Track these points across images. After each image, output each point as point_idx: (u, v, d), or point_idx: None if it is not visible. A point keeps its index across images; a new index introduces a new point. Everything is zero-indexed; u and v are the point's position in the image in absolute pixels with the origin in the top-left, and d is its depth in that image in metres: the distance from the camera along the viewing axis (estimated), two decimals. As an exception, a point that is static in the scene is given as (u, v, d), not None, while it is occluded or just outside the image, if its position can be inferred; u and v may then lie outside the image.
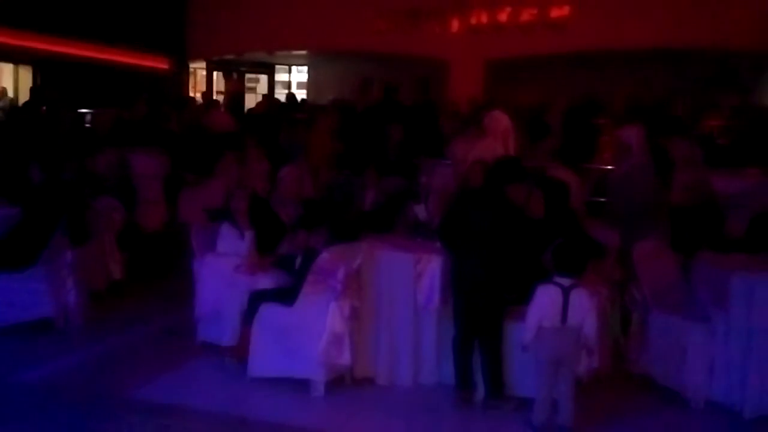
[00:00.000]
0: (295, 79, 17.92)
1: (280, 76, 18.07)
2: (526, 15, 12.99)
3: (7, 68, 14.45)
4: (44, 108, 10.63)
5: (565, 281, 3.99)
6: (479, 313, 4.35)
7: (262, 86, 17.68)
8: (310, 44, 15.04)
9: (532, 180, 4.69)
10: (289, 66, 17.95)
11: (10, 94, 13.85)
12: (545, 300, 3.99)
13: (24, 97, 13.85)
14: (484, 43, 13.14)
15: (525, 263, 4.34)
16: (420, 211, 5.12)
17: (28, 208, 5.88)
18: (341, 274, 4.40)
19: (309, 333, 4.47)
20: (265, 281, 4.99)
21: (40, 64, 14.05)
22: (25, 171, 5.98)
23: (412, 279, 4.58)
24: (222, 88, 16.85)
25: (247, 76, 17.61)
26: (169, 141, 8.75)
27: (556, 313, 3.97)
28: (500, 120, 6.31)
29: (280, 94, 15.80)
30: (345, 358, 4.50)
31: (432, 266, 4.57)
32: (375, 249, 4.73)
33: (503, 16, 13.20)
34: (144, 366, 5.11)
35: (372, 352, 4.75)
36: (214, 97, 14.97)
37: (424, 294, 4.55)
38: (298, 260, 4.91)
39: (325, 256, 4.46)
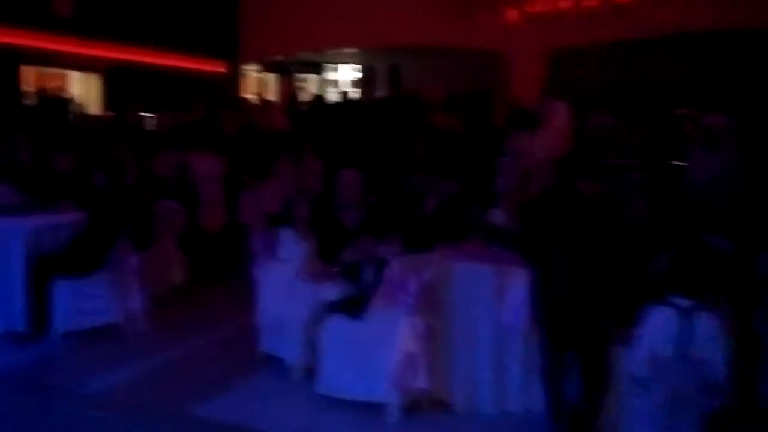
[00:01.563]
0: (344, 77, 17.33)
1: (330, 75, 17.52)
2: (590, 0, 11.87)
3: (76, 76, 14.27)
4: (112, 114, 10.35)
5: (684, 302, 3.24)
6: (570, 335, 3.61)
7: (312, 85, 17.17)
8: (361, 41, 14.38)
9: (625, 177, 3.92)
10: (337, 64, 17.37)
11: (79, 101, 13.63)
12: (659, 324, 3.25)
13: (92, 104, 13.67)
14: (544, 33, 12.13)
15: (624, 277, 3.56)
16: (497, 216, 4.41)
17: (94, 214, 5.48)
18: (413, 288, 3.84)
19: (379, 351, 3.93)
20: (329, 291, 4.47)
21: (106, 71, 13.83)
22: (91, 176, 5.55)
23: (493, 294, 3.92)
24: (274, 89, 16.42)
25: (298, 76, 17.11)
26: (226, 143, 8.30)
27: (673, 341, 3.23)
28: (561, 111, 5.62)
29: (331, 94, 15.26)
30: (421, 382, 3.90)
31: (517, 280, 3.83)
32: (449, 260, 4.10)
33: (565, 3, 12.14)
34: (206, 379, 4.66)
35: (449, 375, 4.09)
36: (267, 98, 14.53)
37: (509, 312, 3.84)
38: (365, 270, 4.37)
39: (394, 267, 3.91)
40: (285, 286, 4.63)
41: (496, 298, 3.92)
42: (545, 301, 3.64)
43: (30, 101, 11.80)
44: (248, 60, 15.64)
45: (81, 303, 5.25)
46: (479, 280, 3.97)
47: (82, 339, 5.20)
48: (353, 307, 4.12)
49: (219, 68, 15.21)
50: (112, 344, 5.21)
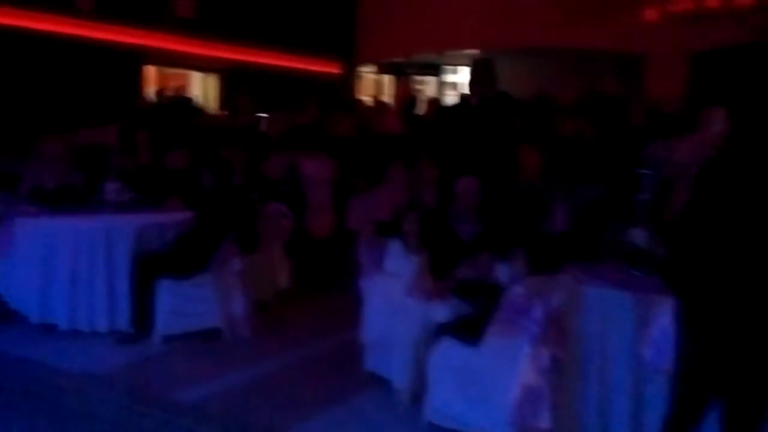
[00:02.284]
0: (464, 80, 16.87)
1: (448, 77, 17.15)
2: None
3: (196, 76, 14.72)
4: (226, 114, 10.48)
5: None
6: (721, 382, 3.05)
7: (430, 88, 16.85)
8: (484, 42, 13.94)
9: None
10: (457, 66, 16.96)
11: (199, 101, 14.03)
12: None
13: (211, 104, 14.04)
14: (688, 34, 11.35)
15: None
16: (639, 235, 3.84)
17: (200, 214, 5.39)
18: (539, 314, 3.39)
19: (496, 383, 3.51)
20: (442, 311, 4.09)
21: (225, 71, 14.17)
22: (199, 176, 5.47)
23: (634, 326, 3.39)
24: (390, 91, 16.25)
25: (416, 78, 16.87)
26: (338, 145, 8.11)
27: None
28: (719, 119, 4.93)
29: (449, 96, 14.89)
30: (542, 420, 3.42)
31: (663, 311, 3.28)
32: (582, 283, 3.62)
33: (712, 2, 11.32)
34: (304, 395, 4.39)
35: (575, 416, 3.59)
36: (382, 101, 14.36)
37: (652, 348, 3.29)
38: (482, 290, 3.96)
39: (518, 290, 3.47)
40: (393, 301, 4.29)
41: (636, 331, 3.38)
42: (695, 339, 3.09)
43: (151, 101, 12.21)
44: (364, 61, 15.59)
45: (183, 305, 5.17)
46: (617, 309, 3.43)
47: (181, 343, 5.11)
48: (468, 330, 3.71)
49: (334, 69, 15.23)
50: (211, 350, 5.07)
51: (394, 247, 4.36)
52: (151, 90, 12.86)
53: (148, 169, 6.85)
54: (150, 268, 5.15)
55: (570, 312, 3.51)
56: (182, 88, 13.37)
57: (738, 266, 3.00)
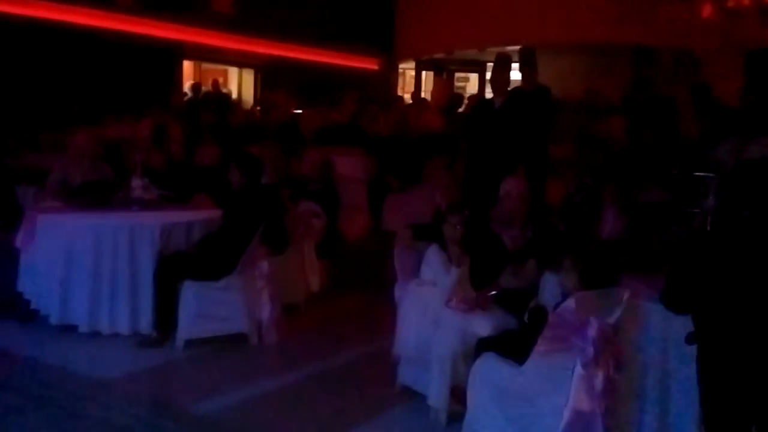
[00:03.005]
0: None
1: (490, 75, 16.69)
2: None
3: (234, 72, 14.61)
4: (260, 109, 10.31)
5: None
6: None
7: (472, 85, 16.43)
8: (530, 38, 13.52)
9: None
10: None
11: (235, 96, 13.91)
12: None
13: (248, 99, 13.91)
14: (746, 29, 10.80)
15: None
16: None
17: (228, 213, 5.14)
18: (593, 332, 3.03)
19: (543, 406, 3.18)
20: (483, 324, 3.76)
21: (262, 67, 14.03)
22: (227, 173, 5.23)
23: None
24: (431, 88, 15.90)
25: (457, 75, 16.47)
26: (376, 143, 7.83)
27: None
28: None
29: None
30: (595, 447, 3.09)
31: None
32: (640, 299, 3.25)
33: None
34: (332, 410, 4.10)
35: None
36: (422, 97, 14.04)
37: None
38: (529, 303, 3.63)
39: (569, 305, 3.12)
40: (430, 312, 3.97)
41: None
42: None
43: (187, 96, 12.11)
44: (404, 57, 15.28)
45: (208, 308, 4.93)
46: (680, 326, 3.04)
47: (205, 348, 4.87)
48: (512, 347, 3.38)
49: (373, 65, 14.96)
50: (235, 358, 4.82)
51: (433, 254, 4.03)
52: (187, 85, 12.78)
53: (178, 165, 6.67)
54: (174, 269, 4.92)
55: (627, 329, 3.15)
56: (219, 83, 13.24)
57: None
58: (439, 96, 13.80)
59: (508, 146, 5.67)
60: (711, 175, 4.50)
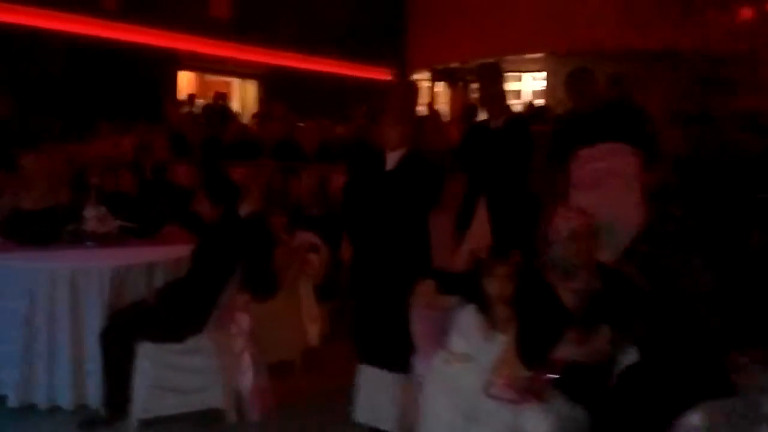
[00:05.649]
0: (528, 87, 15.29)
1: (511, 85, 15.55)
2: None
3: (235, 83, 13.59)
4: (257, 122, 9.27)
5: None
6: None
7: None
8: (551, 45, 12.51)
9: None
10: (521, 73, 15.38)
11: (237, 108, 12.87)
12: None
13: (249, 111, 12.87)
14: None
15: None
16: None
17: (197, 253, 3.99)
18: None
19: None
20: (538, 419, 2.60)
21: (264, 77, 13.02)
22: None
23: None
24: (445, 99, 14.83)
25: (472, 86, 15.37)
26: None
27: None
28: None
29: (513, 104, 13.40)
30: None
31: None
32: None
33: None
34: None
35: None
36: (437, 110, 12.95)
37: None
38: (602, 385, 2.47)
39: (693, 422, 1.95)
40: (465, 399, 2.81)
41: None
42: None
43: (183, 109, 11.08)
44: (417, 67, 14.26)
45: (170, 378, 3.77)
46: None
47: (167, 429, 3.73)
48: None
49: (384, 75, 13.90)
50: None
51: (468, 317, 2.87)
52: (185, 96, 11.75)
53: (152, 187, 5.59)
54: (128, 326, 3.78)
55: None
56: (219, 95, 12.19)
57: None
58: (456, 107, 12.78)
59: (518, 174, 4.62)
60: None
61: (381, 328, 3.66)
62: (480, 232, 4.60)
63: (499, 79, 5.00)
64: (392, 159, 3.85)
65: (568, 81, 4.79)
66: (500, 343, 2.77)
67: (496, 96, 4.82)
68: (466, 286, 2.96)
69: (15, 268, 3.92)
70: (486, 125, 4.90)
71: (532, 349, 2.83)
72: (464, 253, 4.18)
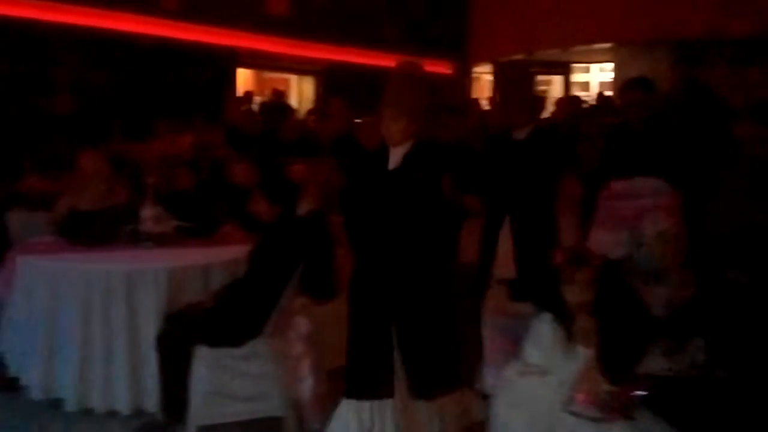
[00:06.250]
0: (595, 79, 14.77)
1: (578, 77, 15.06)
2: None
3: (293, 79, 13.57)
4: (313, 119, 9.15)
5: None
6: None
7: (556, 89, 14.85)
8: (618, 35, 12.01)
9: None
10: (589, 64, 14.85)
11: (295, 104, 12.84)
12: None
13: (306, 107, 12.81)
14: None
15: None
16: None
17: (254, 255, 3.87)
18: None
19: None
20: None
21: (322, 73, 12.94)
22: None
23: None
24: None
25: (538, 78, 14.95)
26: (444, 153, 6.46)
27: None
28: None
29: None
30: None
31: None
32: None
33: None
34: None
35: None
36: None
37: None
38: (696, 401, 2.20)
39: None
40: (541, 414, 2.59)
41: None
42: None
43: (242, 106, 11.07)
44: (479, 60, 13.92)
45: (227, 384, 3.65)
46: None
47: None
48: None
49: (445, 69, 13.63)
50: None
51: (544, 327, 2.64)
52: (244, 94, 11.78)
53: (210, 185, 5.52)
54: (184, 329, 3.69)
55: None
56: (278, 92, 12.17)
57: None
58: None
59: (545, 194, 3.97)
60: None
61: (430, 353, 3.18)
62: (504, 260, 3.86)
63: (528, 83, 4.49)
64: (396, 155, 3.42)
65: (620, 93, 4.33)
66: (581, 356, 2.53)
67: (523, 102, 4.13)
68: (541, 292, 2.73)
69: (72, 269, 3.87)
70: (508, 136, 4.20)
71: (616, 363, 2.58)
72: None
